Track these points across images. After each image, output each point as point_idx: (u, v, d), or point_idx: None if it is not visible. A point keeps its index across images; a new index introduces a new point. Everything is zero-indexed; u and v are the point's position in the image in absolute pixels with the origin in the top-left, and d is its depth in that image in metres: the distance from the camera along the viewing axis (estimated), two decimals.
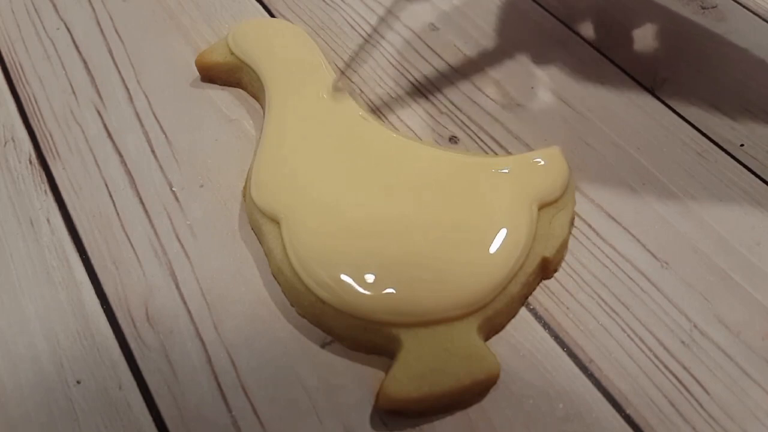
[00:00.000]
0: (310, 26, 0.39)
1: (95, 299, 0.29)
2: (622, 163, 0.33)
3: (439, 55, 0.38)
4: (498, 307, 0.27)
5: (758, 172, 0.32)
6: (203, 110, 0.35)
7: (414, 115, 0.35)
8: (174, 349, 0.28)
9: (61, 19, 0.40)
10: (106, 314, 0.29)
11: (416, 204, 0.29)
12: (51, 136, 0.35)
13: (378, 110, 0.35)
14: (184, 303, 0.29)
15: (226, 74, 0.36)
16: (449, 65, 0.37)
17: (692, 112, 0.35)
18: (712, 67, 0.37)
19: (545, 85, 0.36)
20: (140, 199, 0.32)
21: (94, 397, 0.27)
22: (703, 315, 0.28)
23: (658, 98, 0.35)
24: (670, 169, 0.33)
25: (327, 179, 0.30)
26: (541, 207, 0.29)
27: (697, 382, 0.26)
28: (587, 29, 0.39)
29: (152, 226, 0.31)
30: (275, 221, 0.29)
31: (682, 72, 0.37)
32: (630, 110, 0.35)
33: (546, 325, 0.28)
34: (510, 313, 0.28)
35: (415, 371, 0.25)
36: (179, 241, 0.31)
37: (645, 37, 0.38)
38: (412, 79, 0.37)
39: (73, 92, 0.36)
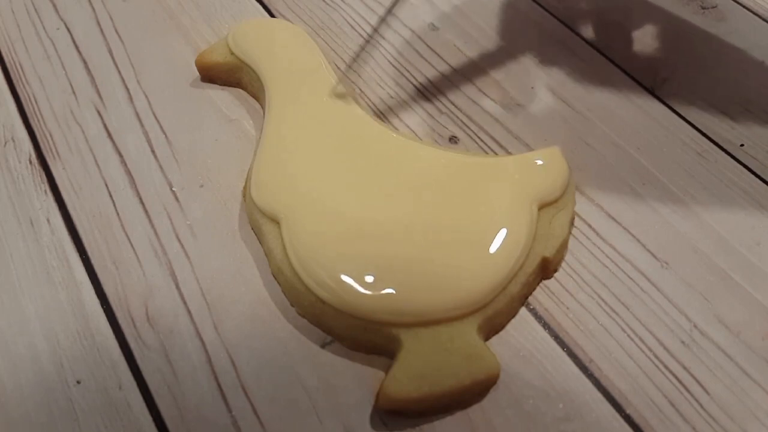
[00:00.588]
0: (310, 26, 0.39)
1: (95, 299, 0.29)
2: (622, 163, 0.33)
3: (439, 55, 0.38)
4: (498, 307, 0.27)
5: (758, 172, 0.32)
6: (203, 110, 0.35)
7: (414, 115, 0.35)
8: (174, 349, 0.28)
9: (61, 19, 0.40)
10: (106, 314, 0.29)
11: (416, 204, 0.29)
12: (51, 136, 0.35)
13: (378, 110, 0.35)
14: (184, 303, 0.29)
15: (226, 74, 0.36)
16: (449, 65, 0.37)
17: (692, 112, 0.35)
18: (712, 67, 0.37)
19: (545, 85, 0.36)
20: (140, 199, 0.32)
21: (94, 397, 0.27)
22: (703, 315, 0.28)
23: (658, 98, 0.35)
24: (670, 169, 0.33)
25: (327, 179, 0.30)
26: (541, 207, 0.29)
27: (697, 382, 0.26)
28: (587, 29, 0.39)
29: (152, 226, 0.31)
30: (275, 221, 0.29)
31: (682, 72, 0.37)
32: (630, 110, 0.35)
33: (546, 325, 0.28)
34: (510, 313, 0.28)
35: (415, 371, 0.25)
36: (179, 241, 0.31)
37: (645, 37, 0.38)
38: (412, 79, 0.37)
39: (73, 92, 0.36)
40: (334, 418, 0.26)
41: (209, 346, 0.28)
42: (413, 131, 0.34)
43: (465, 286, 0.27)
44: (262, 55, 0.35)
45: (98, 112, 0.36)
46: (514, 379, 0.27)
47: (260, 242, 0.30)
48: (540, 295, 0.29)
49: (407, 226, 0.29)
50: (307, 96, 0.34)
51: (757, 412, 0.26)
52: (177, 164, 0.33)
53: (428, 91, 0.36)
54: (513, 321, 0.28)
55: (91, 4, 0.41)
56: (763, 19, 0.39)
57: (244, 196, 0.32)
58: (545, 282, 0.29)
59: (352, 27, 0.39)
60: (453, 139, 0.34)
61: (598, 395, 0.26)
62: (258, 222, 0.30)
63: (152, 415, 0.26)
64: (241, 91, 0.36)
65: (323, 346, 0.28)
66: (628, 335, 0.28)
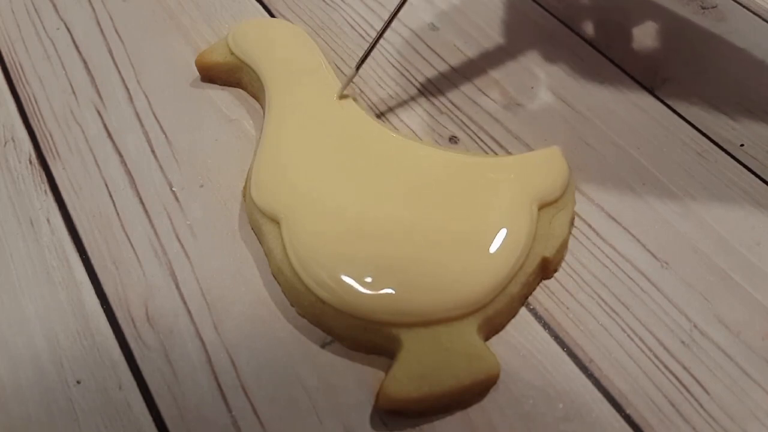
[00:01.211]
0: (310, 26, 0.39)
1: (95, 299, 0.29)
2: (622, 163, 0.33)
3: (439, 55, 0.38)
4: (498, 307, 0.27)
5: (758, 172, 0.32)
6: (203, 110, 0.35)
7: (414, 115, 0.35)
8: (174, 349, 0.28)
9: (61, 19, 0.40)
10: (106, 314, 0.29)
11: (416, 204, 0.29)
12: (51, 136, 0.35)
13: (378, 110, 0.35)
14: (184, 303, 0.29)
15: (226, 74, 0.36)
16: (449, 65, 0.37)
17: (692, 112, 0.35)
18: (712, 67, 0.37)
19: (545, 85, 0.36)
20: (140, 199, 0.32)
21: (94, 397, 0.27)
22: (703, 315, 0.28)
23: (658, 98, 0.35)
24: (670, 169, 0.33)
25: (327, 179, 0.30)
26: (541, 207, 0.29)
27: (697, 382, 0.26)
28: (587, 29, 0.39)
29: (152, 226, 0.31)
30: (275, 221, 0.29)
31: (682, 72, 0.37)
32: (630, 110, 0.35)
33: (546, 325, 0.28)
34: (510, 313, 0.28)
35: (415, 371, 0.25)
36: (179, 241, 0.31)
37: (645, 37, 0.38)
38: (412, 79, 0.37)
39: (73, 92, 0.36)
40: (334, 418, 0.26)
41: (209, 346, 0.28)
42: (413, 131, 0.34)
43: (465, 286, 0.27)
44: (262, 55, 0.35)
45: (98, 112, 0.36)
46: (514, 379, 0.27)
47: (260, 242, 0.30)
48: (540, 295, 0.29)
49: (407, 226, 0.29)
50: (307, 96, 0.34)
51: (757, 412, 0.26)
52: (177, 164, 0.33)
53: (428, 91, 0.36)
54: (513, 321, 0.28)
55: (91, 4, 0.41)
56: (763, 19, 0.39)
57: (244, 196, 0.32)
58: (545, 282, 0.29)
59: (352, 27, 0.39)
60: (453, 139, 0.34)
61: (598, 395, 0.26)
62: (258, 222, 0.30)
63: (152, 415, 0.26)
64: (241, 91, 0.36)
65: (323, 346, 0.28)
66: (628, 335, 0.28)
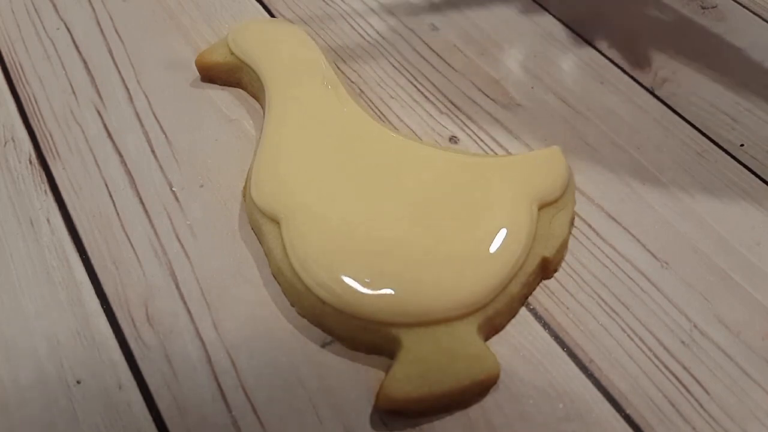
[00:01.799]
0: (310, 26, 0.39)
1: (95, 299, 0.29)
2: (622, 163, 0.33)
3: (439, 55, 0.38)
4: (498, 307, 0.27)
5: (758, 172, 0.32)
6: (203, 110, 0.35)
7: (414, 115, 0.35)
8: (174, 349, 0.28)
9: (61, 19, 0.40)
10: (106, 314, 0.29)
11: (416, 204, 0.29)
12: (51, 136, 0.35)
13: (378, 110, 0.35)
14: (184, 303, 0.29)
15: (226, 74, 0.36)
16: (449, 65, 0.37)
17: (692, 112, 0.35)
18: (712, 67, 0.37)
19: (545, 85, 0.36)
20: (140, 199, 0.32)
21: (94, 397, 0.27)
22: (703, 315, 0.28)
23: (658, 98, 0.35)
24: (670, 169, 0.33)
25: (327, 179, 0.30)
26: (541, 207, 0.29)
27: (697, 382, 0.26)
28: (587, 29, 0.39)
29: (152, 226, 0.31)
30: (275, 221, 0.29)
31: (682, 72, 0.37)
32: (630, 110, 0.35)
33: (546, 325, 0.28)
34: (510, 313, 0.28)
35: (415, 371, 0.25)
36: (179, 241, 0.31)
37: (645, 37, 0.38)
38: (412, 79, 0.37)
39: (73, 92, 0.36)
40: (334, 418, 0.26)
41: (209, 346, 0.28)
42: (413, 131, 0.34)
43: (465, 286, 0.27)
44: (262, 55, 0.35)
45: (98, 112, 0.36)
46: (514, 379, 0.27)
47: (260, 242, 0.30)
48: (540, 295, 0.29)
49: (407, 226, 0.29)
50: (307, 96, 0.34)
51: (757, 412, 0.26)
52: (177, 164, 0.33)
53: (428, 91, 0.36)
54: (513, 321, 0.28)
55: (91, 4, 0.41)
56: (763, 19, 0.39)
57: (244, 196, 0.32)
58: (545, 282, 0.29)
59: (352, 27, 0.39)
60: (453, 139, 0.34)
61: (598, 395, 0.26)
62: (258, 222, 0.30)
63: (152, 415, 0.26)
64: (241, 91, 0.36)
65: (323, 346, 0.28)
66: (628, 335, 0.28)
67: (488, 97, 0.36)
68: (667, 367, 0.27)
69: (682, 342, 0.27)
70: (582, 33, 0.39)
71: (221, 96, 0.36)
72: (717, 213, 0.31)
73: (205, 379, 0.27)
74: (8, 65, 0.38)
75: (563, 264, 0.30)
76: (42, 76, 0.37)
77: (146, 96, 0.36)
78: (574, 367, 0.27)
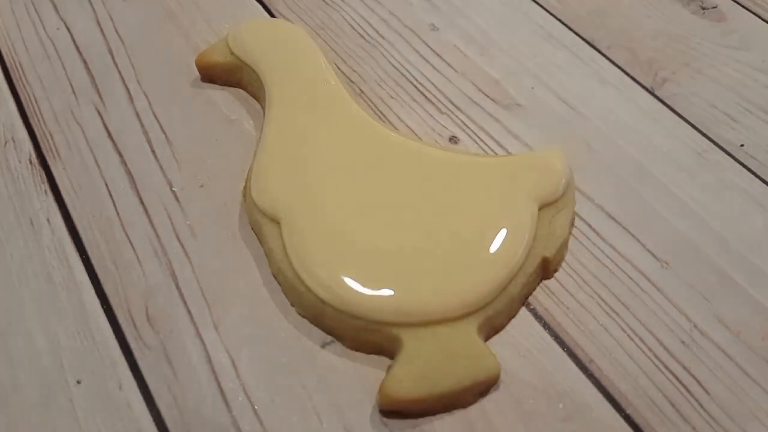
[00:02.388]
0: (310, 26, 0.39)
1: (95, 299, 0.29)
2: (622, 163, 0.33)
3: (439, 55, 0.38)
4: (498, 307, 0.27)
5: (758, 172, 0.32)
6: (203, 110, 0.35)
7: (414, 115, 0.35)
8: (174, 349, 0.28)
9: (61, 19, 0.40)
10: (106, 314, 0.29)
11: (416, 204, 0.29)
12: (51, 136, 0.35)
13: (378, 110, 0.35)
14: (184, 303, 0.29)
15: (226, 74, 0.36)
16: (449, 65, 0.37)
17: (692, 112, 0.35)
18: (712, 67, 0.37)
19: (545, 85, 0.36)
20: (140, 199, 0.32)
21: (94, 397, 0.27)
22: (703, 315, 0.28)
23: (658, 98, 0.35)
24: (670, 169, 0.33)
25: (327, 179, 0.30)
26: (541, 207, 0.29)
27: (697, 382, 0.26)
28: (587, 29, 0.39)
29: (152, 226, 0.31)
30: (275, 221, 0.29)
31: (682, 72, 0.37)
32: (630, 110, 0.35)
33: (546, 325, 0.28)
34: (510, 313, 0.28)
35: (415, 371, 0.25)
36: (179, 241, 0.31)
37: (645, 37, 0.38)
38: (411, 79, 0.37)
39: (73, 92, 0.36)
40: (334, 418, 0.26)
41: (209, 346, 0.28)
42: (413, 131, 0.34)
43: (465, 286, 0.27)
44: (262, 55, 0.35)
45: (98, 112, 0.36)
46: (514, 379, 0.27)
47: (260, 242, 0.30)
48: (540, 295, 0.29)
49: (407, 226, 0.29)
50: (307, 96, 0.34)
51: (757, 412, 0.26)
52: (177, 164, 0.33)
53: (428, 91, 0.36)
54: (513, 321, 0.28)
55: (91, 4, 0.41)
56: (764, 19, 0.39)
57: (244, 196, 0.32)
58: (545, 282, 0.29)
59: (352, 27, 0.39)
60: (453, 139, 0.34)
61: (598, 395, 0.26)
62: (258, 222, 0.30)
63: (152, 415, 0.26)
64: (241, 91, 0.36)
65: (323, 346, 0.28)
66: (628, 335, 0.28)
67: (488, 97, 0.36)
68: (667, 367, 0.27)
69: (682, 342, 0.27)
70: (582, 33, 0.39)
71: (221, 96, 0.36)
72: (717, 213, 0.31)
73: (205, 379, 0.27)
74: (8, 65, 0.38)
75: (563, 264, 0.30)
76: (42, 76, 0.37)
77: (146, 96, 0.36)
78: (574, 367, 0.27)
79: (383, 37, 0.39)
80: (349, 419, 0.26)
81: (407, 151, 0.31)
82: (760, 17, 0.39)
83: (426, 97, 0.36)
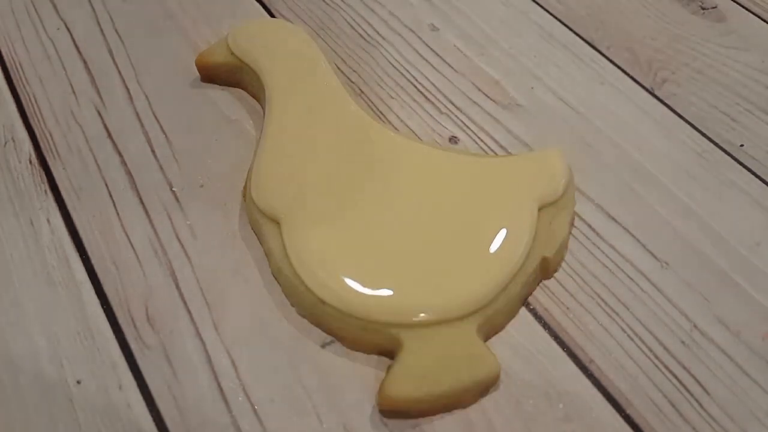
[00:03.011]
0: (310, 26, 0.39)
1: (95, 299, 0.29)
2: (622, 163, 0.33)
3: (439, 55, 0.38)
4: (498, 307, 0.27)
5: (758, 172, 0.32)
6: (203, 110, 0.35)
7: (414, 115, 0.35)
8: (174, 349, 0.28)
9: (61, 19, 0.40)
10: (106, 314, 0.29)
11: (416, 204, 0.30)
12: (51, 136, 0.35)
13: (378, 110, 0.35)
14: (184, 303, 0.29)
15: (226, 74, 0.36)
16: (449, 65, 0.37)
17: (692, 112, 0.35)
18: (712, 67, 0.37)
19: (545, 85, 0.36)
20: (140, 199, 0.32)
21: (94, 397, 0.27)
22: (703, 315, 0.28)
23: (658, 98, 0.35)
24: (670, 169, 0.33)
25: (327, 179, 0.30)
26: (541, 207, 0.29)
27: (697, 382, 0.26)
28: (587, 29, 0.39)
29: (152, 226, 0.31)
30: (275, 221, 0.29)
31: (682, 72, 0.37)
32: (630, 110, 0.35)
33: (546, 325, 0.28)
34: (510, 314, 0.28)
35: (415, 371, 0.25)
36: (179, 241, 0.31)
37: (645, 37, 0.38)
38: (412, 79, 0.37)
39: (73, 92, 0.36)
40: (334, 418, 0.26)
41: (209, 346, 0.28)
42: (413, 131, 0.34)
43: (465, 286, 0.27)
44: (262, 56, 0.35)
45: (98, 112, 0.36)
46: (514, 379, 0.27)
47: (260, 242, 0.30)
48: (540, 295, 0.29)
49: (407, 226, 0.29)
50: (307, 96, 0.34)
51: (757, 412, 0.26)
52: (177, 164, 0.33)
53: (428, 91, 0.36)
54: (513, 321, 0.28)
55: (91, 4, 0.41)
56: (763, 20, 0.39)
57: (244, 196, 0.32)
58: (545, 282, 0.29)
59: (352, 27, 0.39)
60: (453, 139, 0.34)
61: (598, 395, 0.26)
62: (258, 222, 0.30)
63: (152, 415, 0.26)
64: (241, 91, 0.36)
65: (323, 346, 0.28)
66: (628, 335, 0.28)
67: (488, 97, 0.36)
68: (667, 367, 0.27)
69: (682, 342, 0.27)
70: (582, 33, 0.39)
71: (221, 96, 0.36)
72: (717, 213, 0.31)
73: (205, 379, 0.27)
74: (8, 65, 0.38)
75: (563, 264, 0.30)
76: (42, 76, 0.37)
77: (146, 96, 0.36)
78: (574, 367, 0.27)
79: (383, 37, 0.39)
80: (349, 419, 0.26)
81: (407, 151, 0.31)
82: (759, 17, 0.39)
83: (426, 97, 0.36)
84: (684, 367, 0.27)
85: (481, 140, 0.34)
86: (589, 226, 0.31)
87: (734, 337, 0.27)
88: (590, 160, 0.33)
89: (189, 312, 0.29)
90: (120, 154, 0.34)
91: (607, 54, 0.38)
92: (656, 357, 0.27)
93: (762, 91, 0.36)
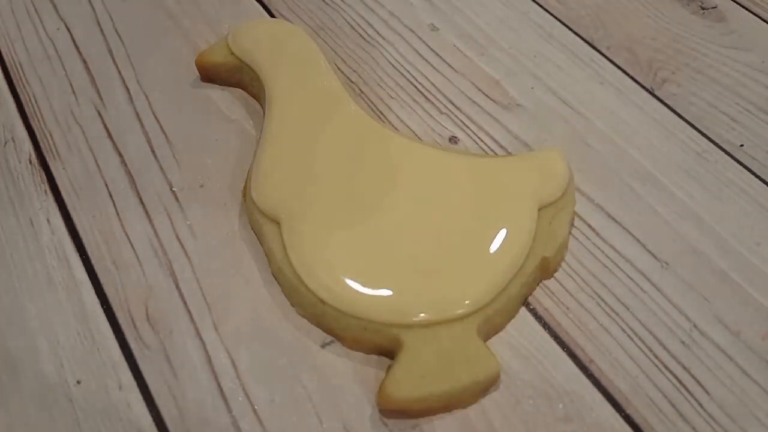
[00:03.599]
0: (310, 26, 0.39)
1: (95, 299, 0.29)
2: (622, 163, 0.33)
3: (439, 55, 0.38)
4: (498, 307, 0.27)
5: (758, 172, 0.32)
6: (203, 110, 0.35)
7: (414, 115, 0.35)
8: (174, 349, 0.28)
9: (61, 19, 0.40)
10: (106, 314, 0.29)
11: (416, 204, 0.30)
12: (51, 136, 0.35)
13: (378, 110, 0.35)
14: (184, 303, 0.29)
15: (226, 74, 0.36)
16: (449, 65, 0.37)
17: (692, 112, 0.35)
18: (712, 67, 0.37)
19: (545, 85, 0.36)
20: (140, 199, 0.32)
21: (94, 397, 0.27)
22: (703, 315, 0.28)
23: (658, 98, 0.35)
24: (670, 169, 0.33)
25: (327, 179, 0.30)
26: (541, 207, 0.29)
27: (697, 382, 0.26)
28: (587, 29, 0.39)
29: (152, 226, 0.31)
30: (275, 222, 0.29)
31: (682, 72, 0.37)
32: (630, 110, 0.35)
33: (546, 325, 0.28)
34: (510, 313, 0.28)
35: (415, 371, 0.25)
36: (179, 241, 0.31)
37: (645, 37, 0.38)
38: (411, 79, 0.37)
39: (73, 92, 0.36)
40: (334, 418, 0.26)
41: (209, 346, 0.28)
42: (413, 131, 0.34)
43: (465, 286, 0.27)
44: (262, 56, 0.35)
45: (98, 112, 0.36)
46: (514, 379, 0.27)
47: (260, 242, 0.30)
48: (540, 295, 0.29)
49: (407, 226, 0.29)
50: (307, 96, 0.34)
51: (757, 412, 0.26)
52: (177, 164, 0.33)
53: (428, 91, 0.36)
54: (513, 321, 0.28)
55: (91, 4, 0.41)
56: (763, 20, 0.39)
57: (244, 196, 0.32)
58: (545, 282, 0.29)
59: (352, 27, 0.39)
60: (453, 139, 0.34)
61: (598, 395, 0.26)
62: (258, 222, 0.30)
63: (152, 415, 0.26)
64: (241, 91, 0.36)
65: (323, 346, 0.28)
66: (628, 335, 0.28)
67: (488, 97, 0.36)
68: (667, 367, 0.27)
69: (682, 342, 0.27)
70: (582, 33, 0.39)
71: (221, 96, 0.36)
72: (717, 213, 0.31)
73: (205, 379, 0.27)
74: (8, 65, 0.38)
75: (563, 264, 0.30)
76: (42, 76, 0.37)
77: (146, 96, 0.36)
78: (574, 367, 0.27)
79: (383, 37, 0.39)
80: (349, 419, 0.26)
81: (407, 151, 0.31)
82: (759, 17, 0.39)
83: (426, 97, 0.36)
84: (684, 367, 0.27)
85: (481, 140, 0.34)
86: (589, 226, 0.31)
87: (734, 337, 0.27)
88: (590, 160, 0.33)
89: (189, 312, 0.29)
90: (120, 154, 0.34)
91: (607, 54, 0.38)
92: (656, 357, 0.27)
93: (762, 91, 0.36)
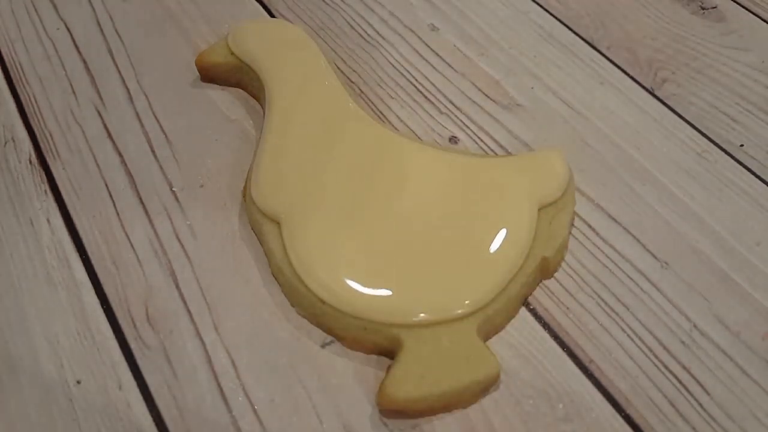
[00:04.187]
0: (310, 26, 0.39)
1: (95, 299, 0.29)
2: (622, 163, 0.33)
3: (439, 55, 0.38)
4: (498, 307, 0.27)
5: (758, 172, 0.32)
6: (203, 110, 0.35)
7: (414, 115, 0.35)
8: (174, 349, 0.28)
9: (61, 19, 0.40)
10: (106, 314, 0.29)
11: (416, 204, 0.30)
12: (51, 136, 0.35)
13: (378, 110, 0.35)
14: (184, 303, 0.29)
15: (226, 74, 0.36)
16: (449, 65, 0.37)
17: (692, 112, 0.35)
18: (712, 67, 0.37)
19: (545, 85, 0.36)
20: (140, 199, 0.32)
21: (94, 397, 0.27)
22: (703, 315, 0.28)
23: (658, 98, 0.35)
24: (670, 169, 0.33)
25: (327, 179, 0.30)
26: (541, 207, 0.29)
27: (697, 382, 0.26)
28: (587, 29, 0.39)
29: (152, 226, 0.31)
30: (275, 222, 0.29)
31: (682, 72, 0.37)
32: (630, 110, 0.35)
33: (546, 325, 0.28)
34: (510, 313, 0.28)
35: (415, 371, 0.25)
36: (179, 241, 0.31)
37: (645, 37, 0.38)
38: (411, 79, 0.37)
39: (73, 92, 0.36)
40: (334, 418, 0.26)
41: (209, 346, 0.28)
42: (413, 131, 0.34)
43: (465, 286, 0.27)
44: (262, 56, 0.35)
45: (98, 112, 0.36)
46: (514, 379, 0.27)
47: (260, 242, 0.30)
48: (540, 295, 0.29)
49: (407, 226, 0.29)
50: (307, 96, 0.34)
51: (757, 412, 0.26)
52: (177, 164, 0.33)
53: (428, 91, 0.36)
54: (513, 321, 0.28)
55: (91, 4, 0.41)
56: (763, 20, 0.39)
57: (244, 196, 0.32)
58: (545, 282, 0.29)
59: (352, 27, 0.39)
60: (453, 139, 0.34)
61: (598, 395, 0.26)
62: (258, 222, 0.30)
63: (152, 415, 0.26)
64: (241, 91, 0.36)
65: (323, 346, 0.28)
66: (628, 335, 0.28)
67: (488, 97, 0.36)
68: (667, 367, 0.27)
69: (682, 342, 0.27)
70: (582, 33, 0.39)
71: (221, 96, 0.36)
72: (717, 213, 0.31)
73: (205, 379, 0.27)
74: (8, 65, 0.38)
75: (563, 264, 0.30)
76: (42, 76, 0.37)
77: (146, 96, 0.36)
78: (574, 367, 0.27)
79: (383, 37, 0.39)
80: (349, 419, 0.26)
81: (407, 151, 0.31)
82: (759, 17, 0.39)
83: (426, 97, 0.36)
84: (684, 367, 0.27)
85: (481, 140, 0.34)
86: (589, 226, 0.31)
87: (734, 337, 0.27)
88: (590, 160, 0.33)
89: (189, 312, 0.29)
90: (120, 154, 0.34)
91: (607, 54, 0.38)
92: (656, 357, 0.27)
93: (762, 91, 0.36)
